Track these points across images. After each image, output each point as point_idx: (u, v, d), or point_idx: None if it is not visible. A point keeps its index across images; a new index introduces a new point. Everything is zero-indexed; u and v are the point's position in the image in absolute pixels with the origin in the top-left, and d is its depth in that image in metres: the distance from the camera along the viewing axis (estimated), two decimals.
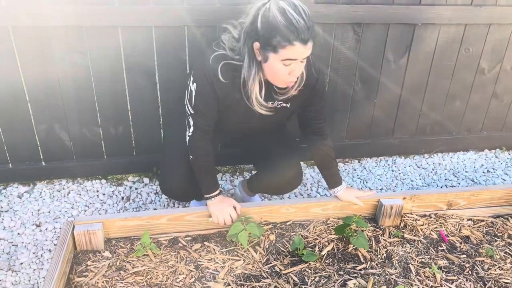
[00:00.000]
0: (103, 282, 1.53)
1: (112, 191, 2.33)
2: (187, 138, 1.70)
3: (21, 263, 1.86)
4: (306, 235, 1.80)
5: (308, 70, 1.62)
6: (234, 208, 1.75)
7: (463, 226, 1.92)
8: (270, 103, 1.64)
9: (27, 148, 2.22)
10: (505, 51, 2.55)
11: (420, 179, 2.59)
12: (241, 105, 1.61)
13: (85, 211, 2.18)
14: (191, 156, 1.71)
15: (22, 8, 1.89)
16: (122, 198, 2.30)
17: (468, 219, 1.96)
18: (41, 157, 2.27)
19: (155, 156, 2.36)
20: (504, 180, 2.64)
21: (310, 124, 1.80)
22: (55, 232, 2.03)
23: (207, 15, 2.05)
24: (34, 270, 1.83)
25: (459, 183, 2.58)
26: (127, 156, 2.38)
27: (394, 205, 1.83)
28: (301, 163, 2.12)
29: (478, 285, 1.63)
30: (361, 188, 2.49)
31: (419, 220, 1.92)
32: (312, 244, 1.76)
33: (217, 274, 1.61)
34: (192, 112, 1.63)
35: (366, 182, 2.54)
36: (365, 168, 2.66)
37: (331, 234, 1.81)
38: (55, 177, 2.35)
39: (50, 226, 2.05)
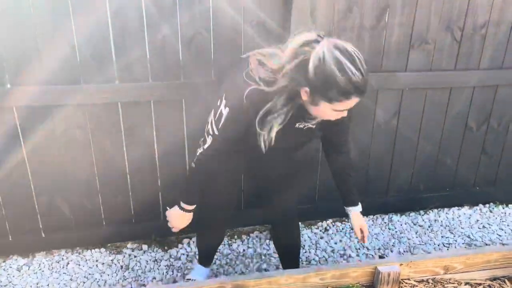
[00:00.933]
0: None
1: (111, 260, 2.34)
2: (198, 152, 1.68)
3: None
4: None
5: None
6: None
7: None
8: (298, 124, 1.63)
9: (28, 219, 2.25)
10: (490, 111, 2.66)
11: (416, 237, 2.62)
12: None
13: (84, 282, 2.18)
14: (194, 167, 1.70)
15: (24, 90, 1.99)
16: (121, 267, 2.30)
17: (466, 283, 1.97)
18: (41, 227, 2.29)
19: (154, 223, 2.40)
20: (500, 235, 2.66)
21: (332, 139, 1.80)
22: None
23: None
24: None
25: (455, 240, 2.61)
26: (126, 224, 2.41)
27: (392, 272, 1.85)
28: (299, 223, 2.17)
29: None
30: (359, 249, 2.51)
31: (417, 286, 1.93)
32: None
33: None
34: (216, 133, 1.59)
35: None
36: None
37: None
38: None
39: None
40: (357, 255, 2.47)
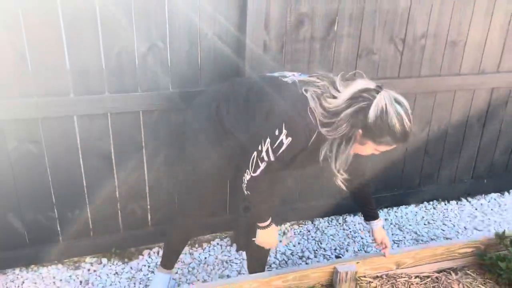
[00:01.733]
0: None
1: (69, 276, 2.28)
2: (249, 177, 1.71)
3: None
4: None
5: None
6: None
7: (412, 284, 2.07)
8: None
9: None
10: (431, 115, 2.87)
11: (369, 236, 2.77)
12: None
13: None
14: (248, 193, 1.75)
15: None
16: (80, 282, 2.26)
17: (416, 276, 2.12)
18: None
19: (113, 235, 2.37)
20: (443, 230, 2.87)
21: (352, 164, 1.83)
22: None
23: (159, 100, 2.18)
24: None
25: (404, 237, 2.78)
26: (84, 237, 2.36)
27: (349, 271, 1.95)
28: None
29: None
30: (316, 250, 2.61)
31: (372, 282, 2.05)
32: None
33: None
34: (272, 160, 1.64)
35: (320, 243, 2.67)
36: (318, 229, 2.80)
37: None
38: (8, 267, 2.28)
39: None
40: (315, 257, 2.57)
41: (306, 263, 2.52)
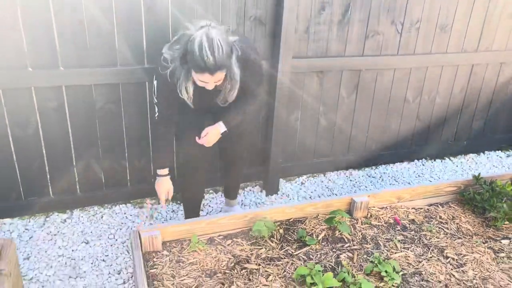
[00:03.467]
0: (170, 271, 2.08)
1: (136, 212, 2.84)
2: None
3: (84, 271, 2.33)
4: (305, 228, 2.47)
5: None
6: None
7: (409, 213, 2.70)
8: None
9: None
10: (422, 86, 3.47)
11: (371, 185, 3.39)
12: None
13: (120, 229, 2.68)
14: (152, 135, 2.30)
15: None
16: (146, 217, 2.82)
17: (412, 208, 2.75)
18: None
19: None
20: (430, 181, 3.51)
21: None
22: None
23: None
24: (97, 275, 2.31)
25: (399, 187, 3.41)
26: (145, 183, 2.92)
27: (363, 201, 2.57)
28: None
29: (424, 249, 2.39)
30: (329, 196, 3.22)
31: (379, 211, 2.67)
32: (310, 233, 2.43)
33: (249, 259, 2.22)
34: (155, 100, 2.22)
35: (332, 190, 3.28)
36: (329, 180, 3.41)
37: (322, 225, 2.49)
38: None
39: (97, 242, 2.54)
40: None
41: None
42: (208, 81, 2.00)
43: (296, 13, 2.75)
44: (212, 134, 2.29)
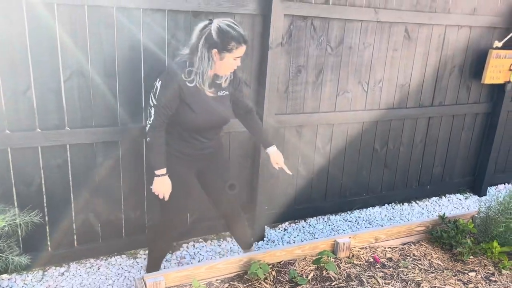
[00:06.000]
0: None
1: (131, 264, 2.96)
2: (147, 126, 2.35)
3: None
4: (295, 269, 2.67)
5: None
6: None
7: (386, 251, 2.97)
8: (214, 92, 2.40)
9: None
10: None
11: (348, 229, 3.66)
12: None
13: (118, 279, 2.78)
14: (147, 138, 2.35)
15: None
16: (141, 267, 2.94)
17: (388, 247, 3.02)
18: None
19: None
20: (400, 223, 3.82)
21: (239, 105, 2.59)
22: None
23: None
24: None
25: None
26: (140, 233, 3.06)
27: (345, 242, 2.82)
28: None
29: (403, 284, 2.64)
30: (311, 239, 3.45)
31: (360, 251, 2.92)
32: (300, 273, 2.64)
33: None
34: (155, 103, 2.29)
35: (314, 235, 3.52)
36: (310, 225, 3.66)
37: (310, 266, 2.71)
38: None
39: None
40: None
41: None
42: (242, 55, 2.26)
43: (277, 76, 3.11)
44: (279, 154, 2.65)
